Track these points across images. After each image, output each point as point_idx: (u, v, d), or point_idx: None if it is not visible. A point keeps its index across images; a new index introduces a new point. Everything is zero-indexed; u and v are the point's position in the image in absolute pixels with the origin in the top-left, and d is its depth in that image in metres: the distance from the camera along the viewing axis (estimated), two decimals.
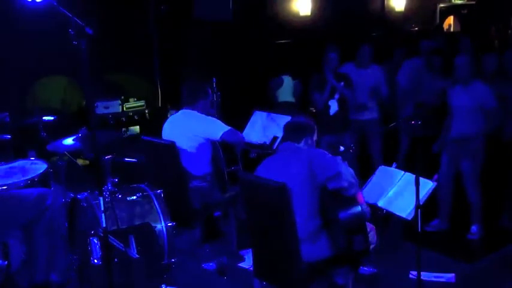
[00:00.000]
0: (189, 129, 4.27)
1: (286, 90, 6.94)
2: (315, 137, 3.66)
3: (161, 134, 4.51)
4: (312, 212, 3.36)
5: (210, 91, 4.50)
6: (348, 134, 5.83)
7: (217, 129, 4.24)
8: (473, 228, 5.02)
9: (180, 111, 4.44)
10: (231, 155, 4.47)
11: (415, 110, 5.75)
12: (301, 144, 3.54)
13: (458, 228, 5.20)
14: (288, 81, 6.94)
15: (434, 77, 5.81)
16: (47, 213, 3.73)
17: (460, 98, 4.86)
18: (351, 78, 5.73)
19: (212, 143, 4.32)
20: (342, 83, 5.64)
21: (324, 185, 3.35)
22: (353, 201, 3.40)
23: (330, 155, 3.45)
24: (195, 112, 4.34)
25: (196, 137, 4.25)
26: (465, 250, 4.84)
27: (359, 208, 3.38)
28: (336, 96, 5.68)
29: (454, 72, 4.91)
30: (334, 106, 5.73)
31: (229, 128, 4.27)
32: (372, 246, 3.58)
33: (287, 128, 3.65)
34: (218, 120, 4.34)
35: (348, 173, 3.41)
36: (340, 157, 3.52)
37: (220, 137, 4.24)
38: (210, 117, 4.35)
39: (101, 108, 6.96)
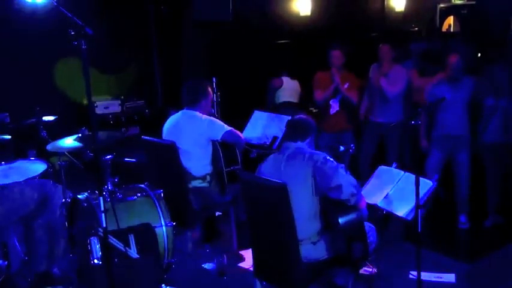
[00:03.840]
0: (190, 130, 4.26)
1: (286, 90, 6.94)
2: (314, 136, 3.65)
3: (161, 134, 4.50)
4: (312, 214, 3.36)
5: (210, 90, 4.48)
6: (348, 134, 5.78)
7: (218, 129, 4.24)
8: (462, 217, 5.28)
9: (180, 112, 4.42)
10: (231, 154, 4.46)
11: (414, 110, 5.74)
12: (305, 143, 3.52)
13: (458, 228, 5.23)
14: (287, 82, 6.94)
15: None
16: (46, 203, 3.74)
17: (452, 94, 5.00)
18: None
19: (213, 143, 4.32)
20: (347, 84, 5.60)
21: (325, 193, 3.33)
22: (353, 209, 3.38)
23: (332, 163, 3.36)
24: (196, 112, 4.32)
25: (197, 137, 4.25)
26: (465, 250, 4.85)
27: (359, 215, 3.37)
28: (339, 96, 5.65)
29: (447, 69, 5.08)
30: (335, 105, 5.70)
31: (230, 128, 4.27)
32: (372, 246, 3.58)
33: (290, 125, 3.59)
34: (218, 121, 4.33)
35: (348, 183, 3.32)
36: (343, 165, 3.44)
37: (221, 138, 4.24)
38: (210, 117, 4.33)
39: (101, 108, 6.97)
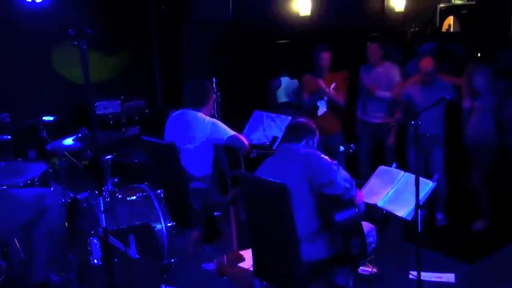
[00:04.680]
0: (193, 131, 4.22)
1: (285, 91, 6.94)
2: (316, 139, 3.65)
3: (162, 134, 4.49)
4: (310, 213, 3.36)
5: (212, 91, 4.48)
6: (337, 135, 5.70)
7: (222, 133, 4.21)
8: (439, 215, 5.39)
9: (183, 111, 4.38)
10: (234, 158, 4.45)
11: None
12: (302, 145, 3.53)
13: (459, 227, 5.22)
14: (287, 82, 6.94)
15: None
16: (46, 213, 3.74)
17: (428, 96, 5.00)
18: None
19: (215, 145, 4.31)
20: (334, 85, 5.58)
21: (319, 189, 3.35)
22: (349, 204, 3.39)
23: (325, 160, 3.39)
24: (200, 114, 4.28)
25: (199, 139, 4.21)
26: (465, 250, 4.85)
27: (355, 211, 3.38)
28: (326, 97, 5.60)
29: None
30: (322, 107, 5.66)
31: (234, 133, 4.25)
32: (372, 246, 3.58)
33: (288, 128, 3.68)
34: (222, 124, 4.29)
35: (341, 178, 3.35)
36: (335, 162, 3.46)
37: (225, 141, 4.23)
38: (214, 120, 4.30)
39: (101, 108, 6.97)
